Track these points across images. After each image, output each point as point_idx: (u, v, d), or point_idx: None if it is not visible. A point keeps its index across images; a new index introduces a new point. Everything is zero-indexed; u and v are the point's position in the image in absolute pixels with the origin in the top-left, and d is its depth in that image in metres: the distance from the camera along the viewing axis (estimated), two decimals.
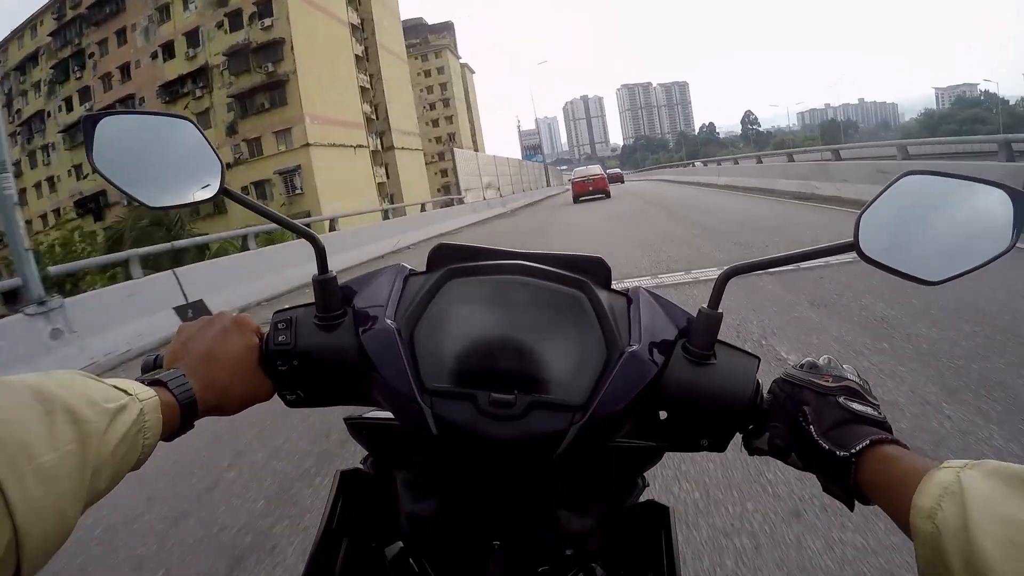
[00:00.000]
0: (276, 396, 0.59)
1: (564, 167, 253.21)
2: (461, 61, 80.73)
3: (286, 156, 34.30)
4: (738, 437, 0.57)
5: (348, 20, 40.72)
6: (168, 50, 37.83)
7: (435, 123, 71.95)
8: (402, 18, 56.27)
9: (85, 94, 41.88)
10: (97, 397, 0.40)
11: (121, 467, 0.41)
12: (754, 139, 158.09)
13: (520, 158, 53.86)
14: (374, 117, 44.17)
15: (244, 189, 32.71)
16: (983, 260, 0.47)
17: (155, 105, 38.16)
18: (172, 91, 37.81)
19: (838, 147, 14.98)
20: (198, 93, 37.08)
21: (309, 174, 33.76)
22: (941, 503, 0.36)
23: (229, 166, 32.72)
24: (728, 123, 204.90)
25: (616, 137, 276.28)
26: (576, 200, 23.05)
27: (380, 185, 42.43)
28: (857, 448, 0.46)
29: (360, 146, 39.15)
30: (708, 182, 22.15)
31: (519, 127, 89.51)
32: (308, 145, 33.81)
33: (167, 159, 0.58)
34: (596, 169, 26.07)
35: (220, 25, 36.18)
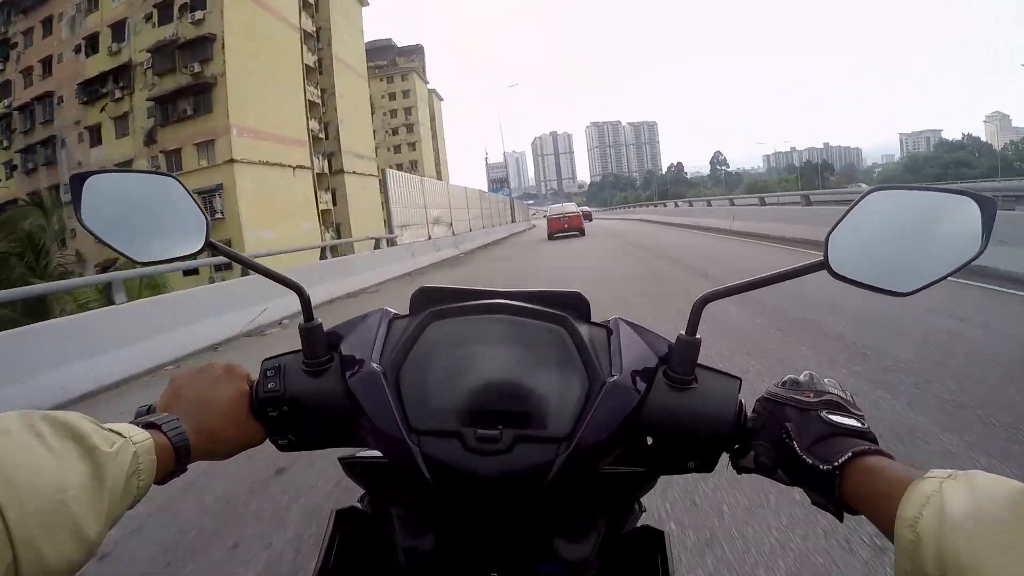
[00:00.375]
0: (268, 440, 0.61)
1: (530, 201, 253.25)
2: (429, 87, 77.23)
3: (208, 172, 29.26)
4: (726, 456, 0.58)
5: (300, 25, 36.33)
6: (92, 44, 32.91)
7: (397, 149, 68.00)
8: (372, 38, 52.52)
9: (6, 89, 36.56)
10: (95, 439, 0.41)
11: (115, 508, 0.41)
12: (724, 180, 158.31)
13: (485, 190, 50.66)
14: (323, 136, 39.61)
15: None
16: (954, 267, 0.48)
17: (72, 105, 33.39)
18: (91, 90, 32.78)
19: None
20: (118, 94, 32.03)
21: (232, 195, 28.83)
22: (922, 512, 0.37)
23: None
24: (695, 164, 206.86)
25: (583, 174, 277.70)
26: (551, 236, 23.21)
27: (324, 212, 37.63)
28: (840, 461, 0.47)
29: (301, 167, 34.36)
30: (712, 226, 18.20)
31: (487, 159, 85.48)
32: (232, 161, 28.95)
33: (154, 215, 0.61)
34: (572, 207, 26.62)
35: (149, 17, 31.41)
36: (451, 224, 21.68)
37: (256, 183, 29.75)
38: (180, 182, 0.61)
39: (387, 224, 15.50)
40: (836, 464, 0.47)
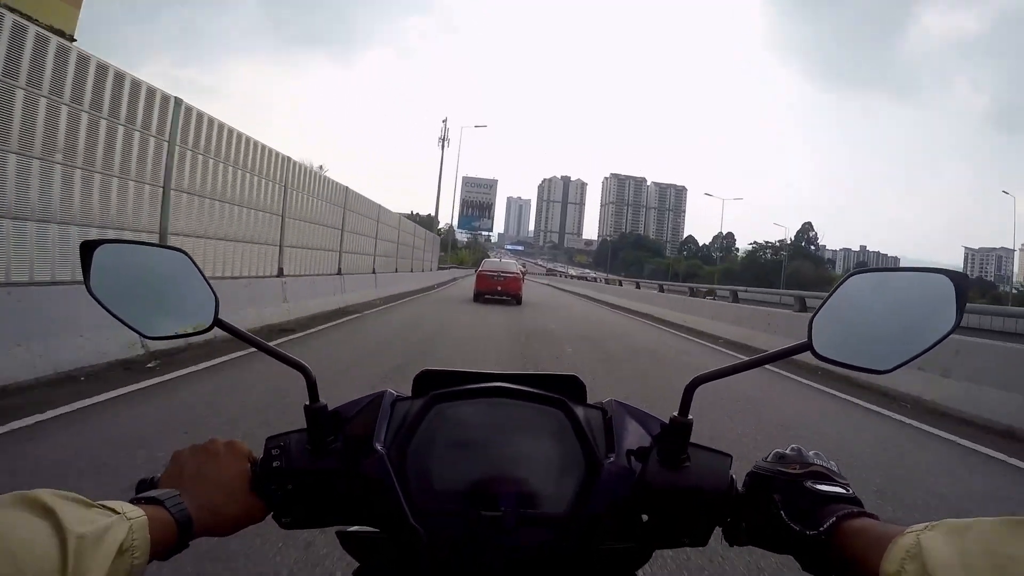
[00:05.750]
0: (272, 517, 0.67)
1: (519, 247, 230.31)
2: None
3: None
4: (719, 529, 0.66)
5: None
6: None
7: None
8: None
9: None
10: (86, 516, 0.45)
11: None
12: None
13: (454, 223, 32.84)
14: None
15: None
16: (930, 343, 0.56)
17: None
18: None
19: None
20: None
21: None
22: (904, 566, 0.42)
23: None
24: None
25: (591, 231, 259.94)
26: (477, 298, 19.80)
27: None
28: (825, 526, 0.54)
29: None
30: None
31: (444, 140, 49.51)
32: None
33: (163, 289, 0.67)
34: (511, 265, 22.80)
35: None
36: None
37: None
38: (190, 257, 0.68)
39: None
40: (822, 529, 0.54)
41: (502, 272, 20.38)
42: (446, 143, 42.59)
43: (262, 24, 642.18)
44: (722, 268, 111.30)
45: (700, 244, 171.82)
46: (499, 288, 19.72)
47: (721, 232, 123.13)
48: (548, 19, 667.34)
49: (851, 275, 0.61)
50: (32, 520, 0.42)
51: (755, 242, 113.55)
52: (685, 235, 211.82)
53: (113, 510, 0.48)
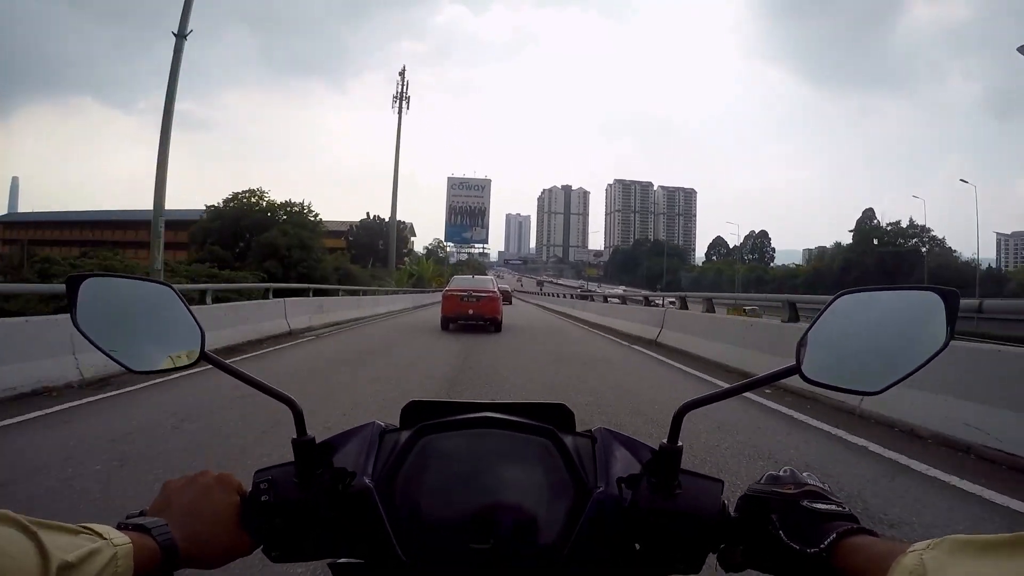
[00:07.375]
0: (260, 551, 0.67)
1: (519, 262, 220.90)
2: None
3: None
4: (712, 557, 0.67)
5: None
6: None
7: None
8: None
9: None
10: (70, 541, 0.46)
11: None
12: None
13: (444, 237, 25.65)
14: None
15: None
16: (921, 361, 0.56)
17: None
18: None
19: None
20: None
21: None
22: None
23: None
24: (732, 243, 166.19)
25: (596, 242, 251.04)
26: (445, 326, 16.26)
27: None
28: (826, 543, 0.55)
29: None
30: None
31: (401, 97, 50.88)
32: None
33: (149, 324, 0.69)
34: (488, 282, 18.50)
35: None
36: None
37: None
38: (176, 291, 0.69)
39: None
40: (823, 546, 0.54)
41: (474, 291, 16.27)
42: (405, 104, 36.41)
43: (255, 55, 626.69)
44: (809, 270, 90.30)
45: (731, 246, 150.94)
46: (471, 311, 15.94)
47: (754, 231, 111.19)
48: (539, 28, 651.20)
49: (839, 295, 0.61)
50: (15, 537, 0.42)
51: (877, 218, 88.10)
52: (698, 239, 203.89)
53: (100, 535, 0.49)
